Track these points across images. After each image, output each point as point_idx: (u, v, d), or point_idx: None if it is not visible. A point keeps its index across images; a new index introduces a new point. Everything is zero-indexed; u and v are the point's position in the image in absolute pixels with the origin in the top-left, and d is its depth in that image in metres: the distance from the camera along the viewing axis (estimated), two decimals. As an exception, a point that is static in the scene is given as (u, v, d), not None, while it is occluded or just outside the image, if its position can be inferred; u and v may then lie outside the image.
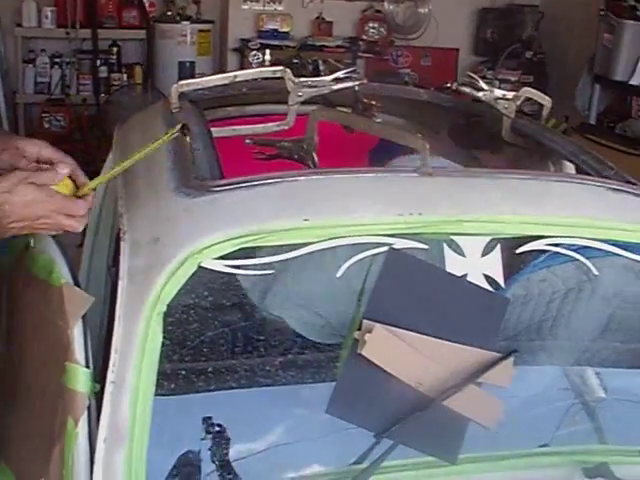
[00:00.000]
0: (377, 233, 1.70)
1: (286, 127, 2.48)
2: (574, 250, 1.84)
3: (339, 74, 2.42)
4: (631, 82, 5.33)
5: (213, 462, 1.74)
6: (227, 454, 1.75)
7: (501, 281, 1.76)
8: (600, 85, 5.68)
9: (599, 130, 5.58)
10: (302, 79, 2.38)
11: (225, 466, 1.74)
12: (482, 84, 2.47)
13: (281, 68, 2.34)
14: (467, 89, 2.48)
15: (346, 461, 1.70)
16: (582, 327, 1.97)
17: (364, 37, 6.83)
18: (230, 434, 1.75)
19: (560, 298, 1.94)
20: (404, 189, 1.81)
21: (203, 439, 1.74)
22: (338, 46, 6.73)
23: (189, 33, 6.68)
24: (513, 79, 6.59)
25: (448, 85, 3.02)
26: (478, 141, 2.77)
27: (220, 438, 1.75)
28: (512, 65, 6.79)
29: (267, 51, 6.57)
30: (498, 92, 2.47)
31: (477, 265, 1.74)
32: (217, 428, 1.75)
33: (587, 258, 1.85)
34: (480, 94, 2.46)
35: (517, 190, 1.86)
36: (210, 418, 1.76)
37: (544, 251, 1.84)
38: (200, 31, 6.72)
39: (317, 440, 1.72)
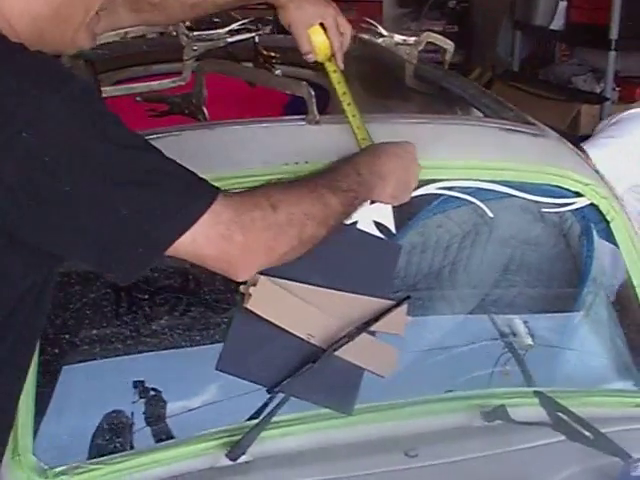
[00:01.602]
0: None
1: (182, 83, 2.41)
2: (468, 193, 1.81)
3: (234, 26, 2.36)
4: (551, 27, 5.31)
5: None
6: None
7: (392, 227, 1.72)
8: (521, 31, 5.65)
9: (523, 77, 5.56)
10: (196, 32, 2.31)
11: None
12: (381, 30, 2.42)
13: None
14: (366, 36, 2.43)
15: (239, 419, 1.67)
16: (481, 271, 1.95)
17: (287, -8, 6.72)
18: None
19: (458, 243, 1.92)
20: (291, 138, 1.77)
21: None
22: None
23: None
24: (438, 29, 6.54)
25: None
26: (386, 89, 2.73)
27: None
28: (436, 15, 6.73)
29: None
30: (398, 37, 2.42)
31: (367, 212, 1.70)
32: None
33: (482, 201, 1.83)
34: (380, 40, 2.41)
35: (406, 135, 1.82)
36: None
37: (439, 196, 1.81)
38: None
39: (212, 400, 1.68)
